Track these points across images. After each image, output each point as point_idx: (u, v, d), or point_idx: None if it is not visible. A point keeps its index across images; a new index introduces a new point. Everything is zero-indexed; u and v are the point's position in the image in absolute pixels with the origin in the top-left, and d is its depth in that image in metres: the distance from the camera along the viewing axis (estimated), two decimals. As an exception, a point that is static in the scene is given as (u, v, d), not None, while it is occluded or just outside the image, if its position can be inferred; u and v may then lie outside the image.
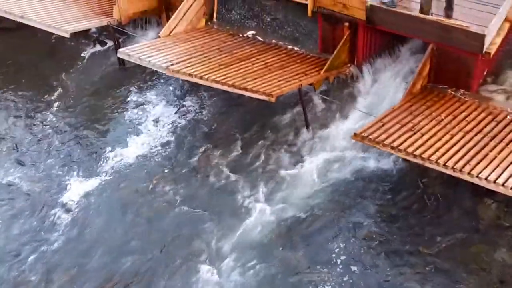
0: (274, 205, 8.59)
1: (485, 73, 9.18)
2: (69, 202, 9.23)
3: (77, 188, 9.38)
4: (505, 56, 9.74)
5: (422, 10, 8.95)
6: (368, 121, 8.56)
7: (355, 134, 7.98)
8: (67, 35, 10.71)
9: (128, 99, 10.62)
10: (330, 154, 9.00)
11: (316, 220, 8.21)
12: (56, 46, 12.03)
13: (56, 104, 10.94)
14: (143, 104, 10.47)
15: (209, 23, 10.76)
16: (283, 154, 9.17)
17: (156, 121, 10.13)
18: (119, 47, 10.33)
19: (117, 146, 9.90)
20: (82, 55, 11.75)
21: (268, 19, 10.41)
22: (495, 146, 7.75)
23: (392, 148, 7.71)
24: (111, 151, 9.85)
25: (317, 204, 8.40)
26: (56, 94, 11.13)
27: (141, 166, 9.50)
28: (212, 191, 8.95)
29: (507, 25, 9.10)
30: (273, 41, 10.24)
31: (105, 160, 9.72)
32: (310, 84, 9.36)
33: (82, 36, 11.68)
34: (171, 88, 10.65)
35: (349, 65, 9.65)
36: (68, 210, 9.13)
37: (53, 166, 9.83)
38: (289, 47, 10.09)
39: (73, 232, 8.83)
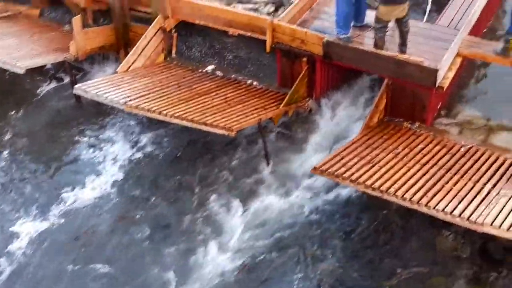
0: (233, 242, 8.51)
1: (439, 106, 9.41)
2: (17, 246, 8.89)
3: (26, 232, 9.05)
4: (457, 90, 10.02)
5: (376, 46, 9.16)
6: (327, 154, 8.64)
7: (314, 168, 8.04)
8: (22, 72, 10.47)
9: (85, 137, 10.38)
10: (289, 189, 9.02)
11: (275, 257, 8.17)
12: (10, 84, 11.75)
13: (8, 144, 10.61)
14: (100, 142, 10.26)
15: (168, 58, 10.77)
16: (243, 190, 9.14)
17: (113, 159, 9.93)
18: (76, 83, 10.21)
19: (73, 187, 9.61)
20: (38, 92, 11.51)
21: (228, 55, 10.49)
22: (450, 178, 7.91)
23: (351, 181, 7.78)
24: (66, 193, 9.55)
25: (276, 240, 8.37)
26: (8, 133, 10.80)
27: (97, 207, 9.25)
28: (169, 231, 8.81)
29: (458, 60, 9.37)
30: (233, 76, 10.30)
31: (59, 202, 9.42)
32: (270, 118, 9.43)
33: (38, 72, 11.47)
34: (129, 124, 10.52)
35: (307, 99, 9.77)
36: (13, 255, 8.79)
37: (1, 208, 9.50)
38: (249, 82, 10.16)
39: (15, 278, 8.51)
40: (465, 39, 9.53)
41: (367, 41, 9.49)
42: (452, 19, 9.99)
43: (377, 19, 9.08)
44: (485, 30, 11.39)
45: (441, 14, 10.23)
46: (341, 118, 9.67)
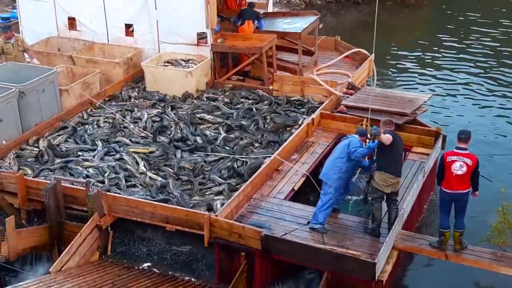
0: None
1: (380, 300, 9.31)
2: None
3: None
4: (398, 283, 10.02)
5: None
6: None
7: None
8: None
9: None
10: None
11: None
12: None
13: None
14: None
15: (103, 256, 10.48)
16: None
17: None
18: (6, 286, 9.69)
19: None
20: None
21: (165, 251, 10.31)
22: None
23: None
24: None
25: None
26: None
27: None
28: None
29: (395, 253, 9.50)
30: (170, 272, 10.04)
31: None
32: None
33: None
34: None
35: (247, 295, 9.54)
36: None
37: None
38: (186, 278, 9.90)
39: None
40: (400, 233, 9.77)
41: (306, 235, 9.58)
42: (385, 214, 10.25)
43: (375, 190, 9.45)
44: (417, 224, 11.78)
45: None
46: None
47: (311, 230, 9.68)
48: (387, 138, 9.26)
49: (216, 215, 9.60)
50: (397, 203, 9.73)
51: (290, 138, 12.07)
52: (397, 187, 9.64)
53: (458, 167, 9.03)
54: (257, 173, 10.86)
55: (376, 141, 9.54)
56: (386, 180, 9.41)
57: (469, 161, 9.02)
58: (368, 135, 10.01)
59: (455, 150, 9.15)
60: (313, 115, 12.95)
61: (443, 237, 9.43)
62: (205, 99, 14.21)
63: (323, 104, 13.44)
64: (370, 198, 9.72)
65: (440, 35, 24.35)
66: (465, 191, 9.16)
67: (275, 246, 9.23)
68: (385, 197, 9.61)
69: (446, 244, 9.48)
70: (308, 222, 9.79)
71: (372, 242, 9.50)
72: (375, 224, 9.63)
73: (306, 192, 11.38)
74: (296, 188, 11.04)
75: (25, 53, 14.31)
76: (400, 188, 10.82)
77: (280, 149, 11.67)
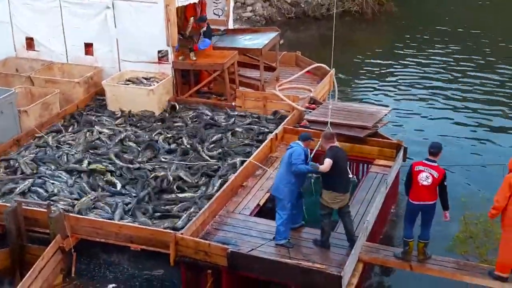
0: None
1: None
2: None
3: None
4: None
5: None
6: None
7: None
8: None
9: None
10: None
11: None
12: None
13: None
14: None
15: (67, 279, 10.29)
16: None
17: None
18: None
19: None
20: None
21: (130, 271, 10.19)
22: None
23: None
24: None
25: None
26: None
27: None
28: None
29: (360, 265, 9.55)
30: (135, 293, 9.94)
31: None
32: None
33: None
34: None
35: (214, 314, 9.46)
36: None
37: None
38: (152, 299, 9.81)
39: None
40: (364, 245, 9.84)
41: (272, 250, 9.58)
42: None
43: (323, 206, 9.45)
44: (381, 236, 11.88)
45: (339, 222, 10.60)
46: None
47: (277, 246, 9.69)
48: (326, 167, 9.26)
49: (182, 233, 9.53)
50: (350, 214, 9.76)
51: (254, 154, 12.09)
52: (346, 201, 9.63)
53: (424, 178, 9.15)
54: (222, 189, 10.83)
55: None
56: (334, 198, 9.45)
57: (435, 173, 9.14)
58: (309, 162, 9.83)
59: (424, 161, 9.27)
60: (276, 131, 13.01)
61: (407, 247, 9.52)
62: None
63: (286, 119, 13.52)
64: (320, 214, 9.69)
65: (399, 49, 24.81)
66: (431, 202, 9.24)
67: (241, 263, 9.20)
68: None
69: (410, 255, 9.57)
70: (274, 238, 9.79)
71: (338, 255, 9.54)
72: (324, 237, 9.66)
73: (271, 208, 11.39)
74: (261, 204, 11.05)
75: None
76: (364, 201, 10.99)
77: (244, 164, 11.67)
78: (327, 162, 9.25)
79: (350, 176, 10.92)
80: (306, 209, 10.34)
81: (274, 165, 12.20)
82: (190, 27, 15.54)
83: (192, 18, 15.62)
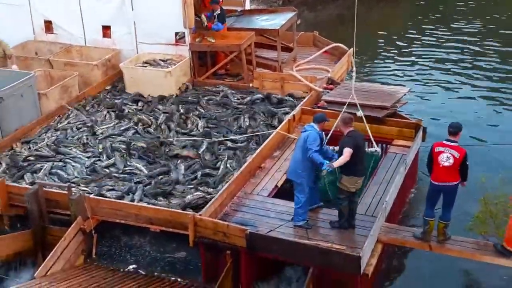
0: None
1: (366, 293, 9.38)
2: None
3: None
4: (383, 276, 10.08)
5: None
6: None
7: None
8: None
9: None
10: None
11: None
12: None
13: None
14: None
15: (88, 259, 10.43)
16: None
17: None
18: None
19: None
20: None
21: (150, 252, 10.29)
22: None
23: None
24: None
25: None
26: None
27: None
28: None
29: (379, 246, 9.56)
30: (155, 273, 10.01)
31: None
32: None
33: None
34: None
35: (233, 292, 9.55)
36: None
37: None
38: (172, 278, 9.87)
39: None
40: (383, 225, 9.83)
41: (290, 231, 9.61)
42: (368, 207, 10.33)
43: (341, 191, 9.46)
44: (400, 216, 11.86)
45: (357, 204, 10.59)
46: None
47: (295, 227, 9.72)
48: (345, 157, 9.17)
49: (200, 215, 9.59)
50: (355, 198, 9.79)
51: (272, 135, 12.10)
52: (361, 184, 9.75)
53: (445, 159, 9.09)
54: (240, 170, 10.87)
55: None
56: (355, 182, 9.45)
57: (456, 154, 9.06)
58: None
59: (444, 142, 9.21)
60: (294, 111, 12.98)
61: (428, 226, 9.48)
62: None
63: (304, 100, 13.48)
64: (338, 198, 9.72)
65: (417, 28, 24.54)
66: (453, 183, 9.19)
67: (260, 244, 9.25)
68: None
69: (430, 235, 9.55)
70: (292, 219, 9.81)
71: (357, 236, 9.55)
72: (343, 219, 9.66)
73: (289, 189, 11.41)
74: (279, 185, 11.07)
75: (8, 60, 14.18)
76: (383, 181, 10.96)
77: (262, 146, 11.69)
78: (347, 152, 9.18)
79: (376, 148, 11.26)
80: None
81: (292, 146, 12.19)
82: (205, 23, 15.44)
83: (205, 17, 15.50)
